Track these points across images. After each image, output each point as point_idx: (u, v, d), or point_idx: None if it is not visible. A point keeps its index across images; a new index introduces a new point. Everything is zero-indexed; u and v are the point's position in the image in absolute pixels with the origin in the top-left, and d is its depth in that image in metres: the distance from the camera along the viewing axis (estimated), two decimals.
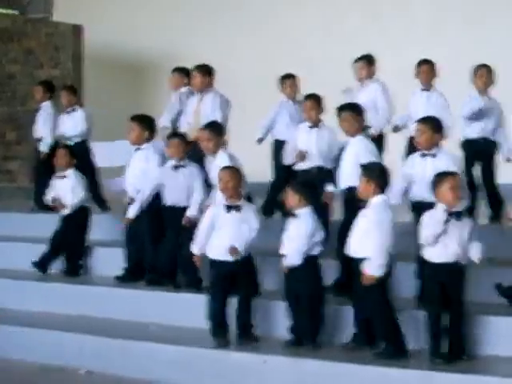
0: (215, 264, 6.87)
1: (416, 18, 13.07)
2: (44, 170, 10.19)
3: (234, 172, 6.95)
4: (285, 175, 8.64)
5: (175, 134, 8.47)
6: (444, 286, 6.15)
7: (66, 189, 8.90)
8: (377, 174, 6.40)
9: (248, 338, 6.84)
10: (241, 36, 14.21)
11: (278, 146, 9.09)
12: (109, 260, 8.74)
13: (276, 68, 10.00)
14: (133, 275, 8.36)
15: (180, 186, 7.93)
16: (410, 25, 12.95)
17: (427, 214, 6.22)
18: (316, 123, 8.20)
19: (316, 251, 6.64)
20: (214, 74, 9.23)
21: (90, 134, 10.58)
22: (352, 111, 7.33)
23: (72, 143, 10.29)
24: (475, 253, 6.15)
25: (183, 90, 9.63)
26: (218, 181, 6.97)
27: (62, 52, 14.41)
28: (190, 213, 7.78)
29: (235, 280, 6.82)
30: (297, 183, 6.97)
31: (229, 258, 6.74)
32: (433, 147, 6.90)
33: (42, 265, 8.80)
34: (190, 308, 7.44)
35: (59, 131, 10.49)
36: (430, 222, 6.16)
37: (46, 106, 10.72)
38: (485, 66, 8.55)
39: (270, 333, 6.99)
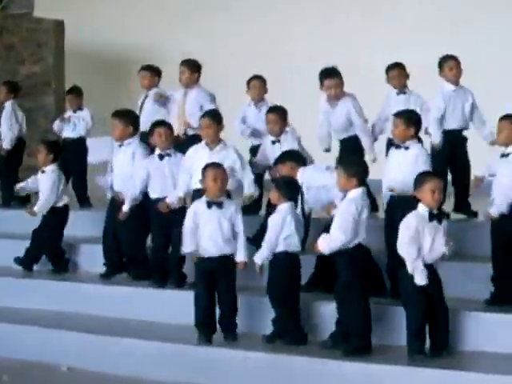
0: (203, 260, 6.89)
1: (403, 20, 13.09)
2: (5, 166, 10.71)
3: (223, 169, 6.97)
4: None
5: (160, 122, 8.34)
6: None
7: (42, 185, 8.92)
8: (356, 169, 6.48)
9: (229, 335, 6.87)
10: (227, 34, 14.17)
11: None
12: (93, 257, 8.71)
13: (263, 66, 10.01)
14: (115, 270, 8.37)
15: (165, 177, 7.91)
16: (398, 26, 12.96)
17: (407, 218, 6.29)
18: (278, 137, 8.24)
19: (288, 247, 6.67)
20: (201, 71, 9.19)
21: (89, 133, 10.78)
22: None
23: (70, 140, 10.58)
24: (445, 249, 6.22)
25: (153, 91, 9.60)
26: (203, 176, 6.94)
27: (44, 48, 14.34)
28: (169, 199, 7.76)
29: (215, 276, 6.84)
30: (278, 180, 7.05)
31: (209, 254, 6.78)
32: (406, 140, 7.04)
33: (26, 262, 8.82)
34: (174, 305, 7.47)
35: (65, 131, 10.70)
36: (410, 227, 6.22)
37: (8, 106, 10.95)
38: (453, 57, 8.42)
39: (252, 329, 7.01)
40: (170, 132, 8.06)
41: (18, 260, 8.82)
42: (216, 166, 6.99)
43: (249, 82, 9.36)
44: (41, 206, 8.81)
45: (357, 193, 6.38)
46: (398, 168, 6.99)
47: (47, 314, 8.02)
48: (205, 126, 7.74)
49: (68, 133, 10.73)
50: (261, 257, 6.68)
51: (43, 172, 8.95)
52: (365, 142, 8.45)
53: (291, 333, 6.68)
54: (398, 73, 8.75)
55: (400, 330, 6.34)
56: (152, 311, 7.59)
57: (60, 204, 8.88)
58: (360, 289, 6.30)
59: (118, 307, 7.74)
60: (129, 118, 8.33)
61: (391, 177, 7.03)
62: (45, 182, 8.86)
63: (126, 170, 8.18)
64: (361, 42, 13.00)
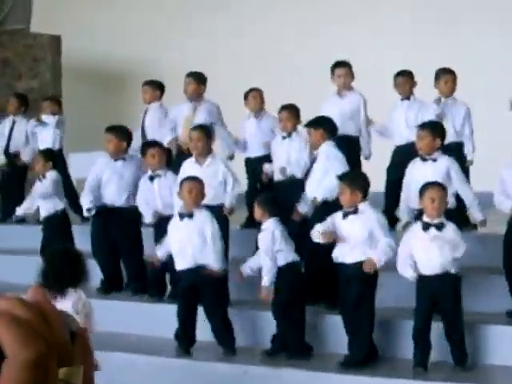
0: (179, 273, 6.91)
1: (391, 24, 13.06)
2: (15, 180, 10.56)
3: (199, 182, 6.93)
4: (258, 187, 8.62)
5: (152, 142, 8.33)
6: (435, 297, 6.09)
7: (45, 189, 8.78)
8: (361, 183, 6.42)
9: (225, 349, 6.76)
10: (220, 47, 14.17)
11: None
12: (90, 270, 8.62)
13: (256, 74, 9.94)
14: (112, 285, 8.28)
15: (155, 197, 7.87)
16: (385, 31, 12.94)
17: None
18: (290, 133, 8.14)
19: (281, 262, 6.57)
20: (206, 83, 9.12)
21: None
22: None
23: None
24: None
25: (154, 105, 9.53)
26: (181, 189, 6.91)
27: (41, 63, 14.30)
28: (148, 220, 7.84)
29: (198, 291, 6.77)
30: (260, 197, 6.99)
31: (184, 267, 6.75)
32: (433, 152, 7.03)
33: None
34: (171, 318, 7.33)
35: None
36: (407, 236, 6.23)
37: (22, 119, 10.73)
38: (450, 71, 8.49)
39: (251, 343, 6.91)
40: (162, 152, 8.04)
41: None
42: (192, 178, 6.98)
43: (246, 94, 9.28)
44: (56, 206, 8.69)
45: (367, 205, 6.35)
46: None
47: None
48: (196, 138, 7.66)
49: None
50: (268, 279, 6.56)
51: (44, 177, 8.82)
52: (364, 137, 8.61)
53: (295, 346, 6.55)
54: (403, 80, 8.72)
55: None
56: (148, 325, 7.48)
57: (58, 208, 8.76)
58: None
59: (114, 321, 7.63)
60: (123, 133, 8.29)
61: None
62: (48, 185, 8.72)
63: (123, 186, 8.14)
64: (361, 42, 12.96)
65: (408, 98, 8.71)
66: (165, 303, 7.62)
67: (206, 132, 7.71)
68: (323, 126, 7.48)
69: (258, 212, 6.76)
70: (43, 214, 8.78)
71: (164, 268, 7.72)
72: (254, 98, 9.19)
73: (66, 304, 4.94)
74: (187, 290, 6.79)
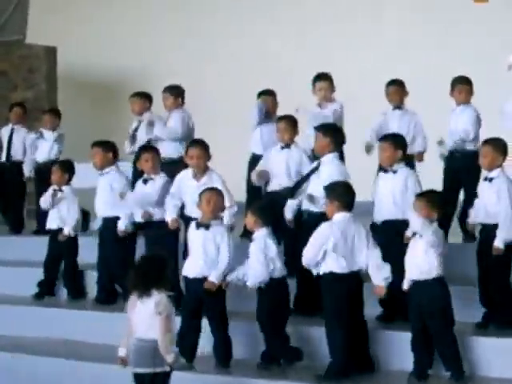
0: (185, 281, 6.90)
1: (387, 33, 13.09)
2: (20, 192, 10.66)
3: (219, 193, 6.96)
4: (257, 196, 8.59)
5: (147, 147, 8.50)
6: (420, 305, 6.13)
7: (63, 206, 8.86)
8: (339, 193, 6.43)
9: (222, 363, 6.77)
10: (215, 54, 14.19)
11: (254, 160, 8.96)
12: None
13: (250, 83, 9.97)
14: (107, 296, 8.31)
15: (148, 201, 7.92)
16: (380, 40, 12.96)
17: None
18: (288, 144, 8.13)
19: (272, 273, 6.56)
20: (184, 96, 9.21)
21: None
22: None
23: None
24: None
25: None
26: (200, 200, 6.90)
27: (36, 74, 14.34)
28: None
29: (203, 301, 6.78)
30: (254, 205, 6.99)
31: (191, 275, 6.76)
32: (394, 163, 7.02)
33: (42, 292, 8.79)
34: None
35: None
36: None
37: (22, 129, 10.80)
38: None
39: (247, 355, 6.90)
40: (157, 156, 8.14)
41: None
42: (211, 189, 7.01)
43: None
44: (75, 226, 8.74)
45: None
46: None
47: (37, 341, 7.90)
48: (196, 156, 7.66)
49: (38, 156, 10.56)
50: (252, 282, 6.57)
51: (61, 191, 8.88)
52: None
53: (285, 353, 6.57)
54: (394, 89, 8.74)
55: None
56: None
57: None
58: None
59: (111, 333, 7.62)
60: (108, 146, 8.45)
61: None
62: (68, 203, 8.79)
63: (106, 200, 8.31)
64: (361, 43, 12.98)
65: (399, 108, 8.75)
66: None
67: (206, 149, 7.73)
68: (332, 136, 7.41)
69: (249, 220, 6.74)
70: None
71: None
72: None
73: (149, 304, 5.58)
74: (192, 300, 6.79)
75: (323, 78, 8.73)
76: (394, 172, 7.01)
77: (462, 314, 6.47)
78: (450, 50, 12.25)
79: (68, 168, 9.07)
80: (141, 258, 6.08)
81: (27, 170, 10.53)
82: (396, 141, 7.13)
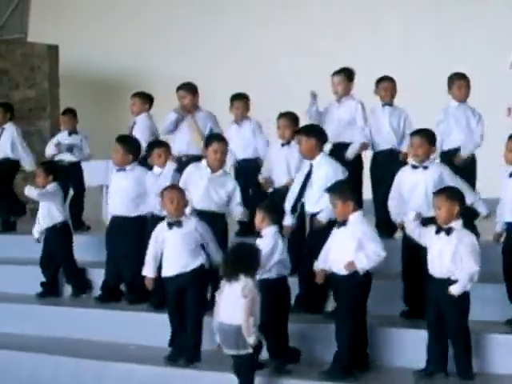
0: (164, 282, 6.91)
1: (388, 35, 13.10)
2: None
3: (180, 191, 7.01)
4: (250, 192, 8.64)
5: (159, 142, 8.43)
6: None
7: (43, 205, 8.78)
8: (350, 192, 6.42)
9: (191, 358, 6.77)
10: (215, 55, 14.19)
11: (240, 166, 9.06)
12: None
13: (249, 86, 9.96)
14: (111, 294, 8.29)
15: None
16: (382, 42, 12.97)
17: None
18: (288, 141, 8.14)
19: (280, 272, 6.56)
20: (198, 92, 9.13)
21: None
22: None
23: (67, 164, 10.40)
24: None
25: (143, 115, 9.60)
26: (163, 198, 6.94)
27: (38, 72, 14.34)
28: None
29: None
30: (262, 203, 6.99)
31: (174, 273, 6.78)
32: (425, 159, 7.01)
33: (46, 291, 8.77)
34: (168, 328, 7.37)
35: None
36: None
37: (11, 127, 10.69)
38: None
39: None
40: (168, 152, 8.15)
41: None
42: (171, 187, 7.06)
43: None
44: (58, 217, 8.69)
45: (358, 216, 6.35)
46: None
47: (40, 340, 7.91)
48: (221, 150, 7.62)
49: (64, 156, 10.59)
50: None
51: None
52: (357, 141, 8.51)
53: (284, 354, 6.58)
54: (386, 85, 8.72)
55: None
56: (148, 335, 7.49)
57: (60, 220, 8.73)
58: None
59: (113, 331, 7.65)
60: (131, 146, 8.27)
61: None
62: (50, 197, 8.70)
63: (127, 195, 8.14)
64: (361, 43, 12.99)
65: (390, 105, 8.75)
66: (164, 313, 7.62)
67: (227, 145, 7.75)
68: (316, 135, 7.38)
69: (258, 217, 6.69)
70: None
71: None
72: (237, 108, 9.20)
73: (236, 287, 5.93)
74: (175, 296, 6.84)
75: (339, 72, 8.66)
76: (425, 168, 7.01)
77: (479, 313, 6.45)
78: (452, 51, 12.26)
79: (51, 169, 8.95)
80: (233, 245, 6.47)
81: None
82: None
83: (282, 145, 8.18)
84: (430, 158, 7.05)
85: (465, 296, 6.05)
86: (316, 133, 7.44)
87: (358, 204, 6.54)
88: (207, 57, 14.24)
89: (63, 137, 10.63)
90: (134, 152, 8.23)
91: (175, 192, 6.95)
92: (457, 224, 6.13)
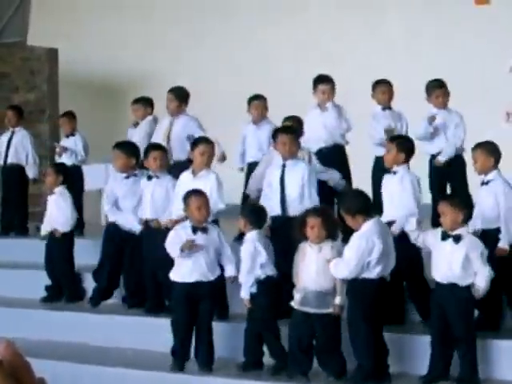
0: (177, 286, 6.84)
1: (389, 38, 13.07)
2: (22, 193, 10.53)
3: (205, 197, 6.91)
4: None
5: (156, 145, 8.36)
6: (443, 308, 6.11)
7: (53, 207, 8.73)
8: (356, 203, 6.37)
9: (204, 366, 6.73)
10: (219, 60, 14.18)
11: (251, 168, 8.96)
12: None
13: (252, 88, 9.96)
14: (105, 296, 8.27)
15: (154, 198, 7.87)
16: (383, 44, 12.94)
17: None
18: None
19: (265, 274, 6.57)
20: (188, 99, 9.08)
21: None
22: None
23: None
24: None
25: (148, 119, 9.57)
26: (187, 203, 6.87)
27: (38, 76, 14.33)
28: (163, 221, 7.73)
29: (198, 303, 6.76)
30: (244, 207, 6.98)
31: (190, 279, 6.71)
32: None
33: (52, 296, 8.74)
34: (164, 333, 7.35)
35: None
36: None
37: (22, 131, 10.73)
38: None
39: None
40: (164, 155, 8.09)
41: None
42: (199, 193, 6.93)
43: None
44: (64, 224, 8.60)
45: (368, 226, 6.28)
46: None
47: (36, 344, 7.87)
48: (208, 153, 7.61)
49: (64, 159, 10.53)
50: (245, 291, 6.60)
51: (53, 193, 8.76)
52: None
53: (280, 353, 6.56)
54: (383, 89, 8.70)
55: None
56: (143, 339, 7.47)
57: (65, 229, 8.64)
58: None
59: (110, 336, 7.63)
60: (131, 150, 8.27)
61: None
62: (60, 202, 8.66)
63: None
64: (361, 45, 12.95)
65: (389, 108, 8.72)
66: (161, 317, 7.61)
67: (213, 147, 7.75)
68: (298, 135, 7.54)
69: (240, 222, 6.78)
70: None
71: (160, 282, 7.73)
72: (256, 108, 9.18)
73: (323, 252, 6.18)
74: (189, 302, 6.76)
75: (326, 80, 8.65)
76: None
77: None
78: (452, 51, 12.24)
79: (62, 171, 8.92)
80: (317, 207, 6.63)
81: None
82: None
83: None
84: None
85: (471, 301, 6.02)
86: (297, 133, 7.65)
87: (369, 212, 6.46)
88: (208, 56, 14.23)
89: (62, 140, 10.64)
90: (135, 155, 8.23)
91: (203, 198, 6.85)
92: (464, 230, 6.11)
